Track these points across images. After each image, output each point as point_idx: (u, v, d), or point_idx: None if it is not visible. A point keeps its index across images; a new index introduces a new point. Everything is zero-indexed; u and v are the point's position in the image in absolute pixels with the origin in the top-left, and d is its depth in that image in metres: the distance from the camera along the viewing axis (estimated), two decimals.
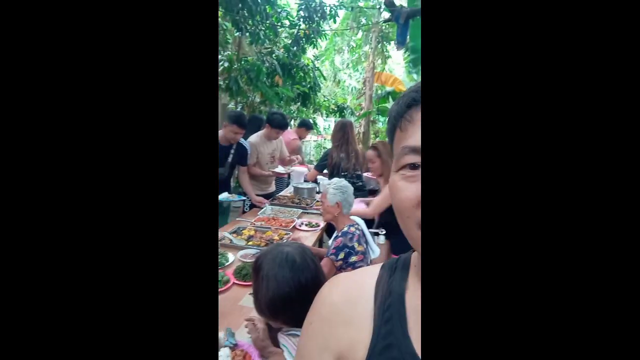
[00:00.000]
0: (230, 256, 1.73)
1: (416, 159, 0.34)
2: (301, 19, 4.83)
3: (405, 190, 0.35)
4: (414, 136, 0.35)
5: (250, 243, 1.96)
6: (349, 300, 0.43)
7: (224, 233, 2.04)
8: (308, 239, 2.16)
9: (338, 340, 0.41)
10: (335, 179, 1.81)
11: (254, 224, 2.28)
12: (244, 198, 2.75)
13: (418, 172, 0.34)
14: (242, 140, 2.58)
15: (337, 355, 0.41)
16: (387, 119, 0.41)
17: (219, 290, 1.42)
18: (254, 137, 2.85)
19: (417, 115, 0.35)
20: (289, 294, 0.89)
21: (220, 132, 2.44)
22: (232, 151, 2.56)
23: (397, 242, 2.04)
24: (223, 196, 2.47)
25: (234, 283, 1.49)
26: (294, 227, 2.29)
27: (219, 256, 1.69)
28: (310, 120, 4.64)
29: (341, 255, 1.57)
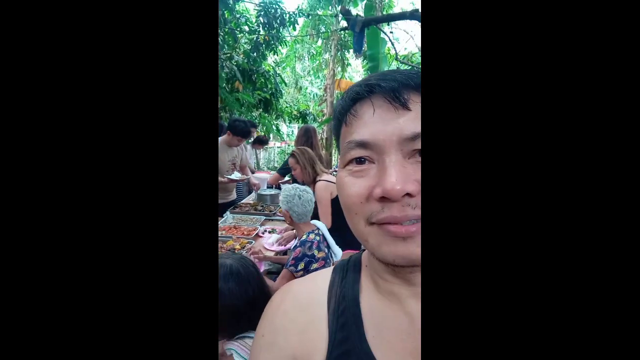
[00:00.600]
0: None
1: (362, 153, 0.33)
2: (260, 25, 4.81)
3: (353, 186, 0.33)
4: (359, 130, 0.33)
5: None
6: (301, 307, 0.42)
7: None
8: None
9: (294, 350, 0.39)
10: (288, 186, 1.74)
11: None
12: None
13: (364, 167, 0.33)
14: None
15: None
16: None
17: None
18: None
19: (361, 110, 0.34)
20: (237, 308, 0.86)
21: None
22: None
23: (336, 240, 2.06)
24: None
25: None
26: (257, 235, 2.26)
27: None
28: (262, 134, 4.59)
29: (301, 266, 1.52)
